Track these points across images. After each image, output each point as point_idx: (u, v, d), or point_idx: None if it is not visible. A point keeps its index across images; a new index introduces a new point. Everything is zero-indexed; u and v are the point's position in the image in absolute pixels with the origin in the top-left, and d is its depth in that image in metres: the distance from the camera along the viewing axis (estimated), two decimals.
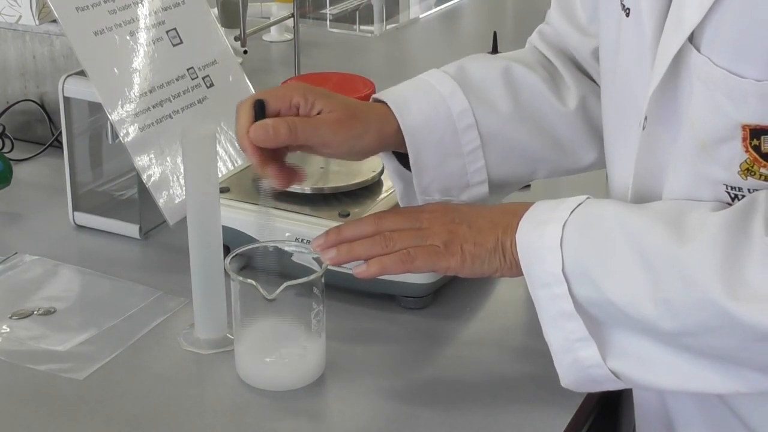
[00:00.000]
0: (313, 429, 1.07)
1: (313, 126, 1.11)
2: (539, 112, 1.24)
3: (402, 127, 1.18)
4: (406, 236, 1.09)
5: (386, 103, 1.19)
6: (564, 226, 1.02)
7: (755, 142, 0.93)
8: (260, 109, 1.09)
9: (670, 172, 1.02)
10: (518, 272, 1.06)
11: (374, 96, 1.22)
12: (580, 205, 1.04)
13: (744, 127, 0.93)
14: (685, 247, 0.95)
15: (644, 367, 1.01)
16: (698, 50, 0.95)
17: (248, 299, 1.11)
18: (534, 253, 1.03)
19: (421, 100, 1.20)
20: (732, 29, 0.92)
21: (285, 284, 1.09)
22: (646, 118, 1.01)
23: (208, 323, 1.19)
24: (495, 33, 1.79)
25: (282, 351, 1.14)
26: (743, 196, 0.97)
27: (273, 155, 1.10)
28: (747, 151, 0.94)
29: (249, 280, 1.09)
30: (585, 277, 1.00)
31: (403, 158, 1.21)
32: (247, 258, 1.24)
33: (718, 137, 0.96)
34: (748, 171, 0.95)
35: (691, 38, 0.95)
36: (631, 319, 0.99)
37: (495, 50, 1.78)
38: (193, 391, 1.12)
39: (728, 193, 0.98)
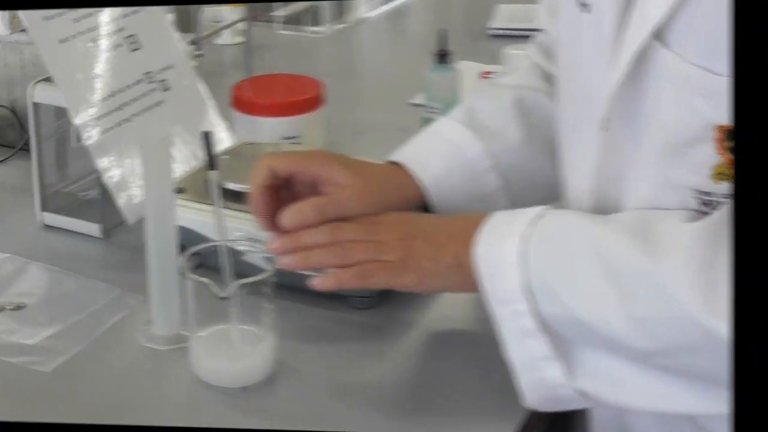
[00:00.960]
0: (263, 425, 1.08)
1: (337, 204, 1.11)
2: (552, 132, 1.17)
3: (423, 187, 1.18)
4: (362, 248, 1.07)
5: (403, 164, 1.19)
6: (526, 240, 0.98)
7: (731, 143, 0.89)
8: (206, 140, 1.14)
9: (632, 177, 0.98)
10: (477, 288, 1.01)
11: (391, 158, 1.22)
12: (541, 218, 1.00)
13: (719, 128, 0.90)
14: (658, 262, 0.90)
15: (615, 388, 0.97)
16: (667, 47, 0.91)
17: (202, 297, 1.12)
18: (492, 269, 1.00)
19: (435, 153, 1.20)
20: (705, 23, 0.88)
21: (236, 283, 1.11)
22: (608, 120, 0.97)
23: (165, 320, 1.21)
24: (442, 31, 1.72)
25: (234, 348, 1.15)
26: (711, 202, 0.93)
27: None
28: (722, 153, 0.90)
29: (202, 279, 1.10)
30: (550, 293, 0.96)
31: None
32: (202, 257, 1.29)
33: (688, 139, 0.92)
34: (721, 175, 0.92)
35: (659, 35, 0.92)
36: (600, 338, 0.95)
37: (442, 48, 1.77)
38: (151, 385, 1.15)
39: (696, 198, 0.94)
